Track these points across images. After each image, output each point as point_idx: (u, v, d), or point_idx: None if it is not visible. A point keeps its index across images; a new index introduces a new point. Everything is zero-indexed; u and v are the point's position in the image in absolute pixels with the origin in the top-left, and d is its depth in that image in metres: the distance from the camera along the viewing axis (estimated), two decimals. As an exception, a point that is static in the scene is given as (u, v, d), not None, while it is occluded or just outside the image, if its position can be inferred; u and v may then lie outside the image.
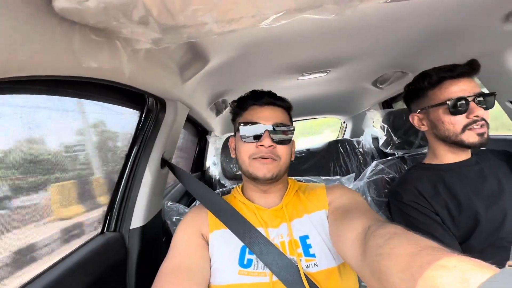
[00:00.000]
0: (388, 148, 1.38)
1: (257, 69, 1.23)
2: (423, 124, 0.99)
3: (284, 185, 0.83)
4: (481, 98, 0.87)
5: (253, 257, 0.69)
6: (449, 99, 0.88)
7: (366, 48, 1.14)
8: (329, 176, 1.27)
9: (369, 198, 1.21)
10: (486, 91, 1.18)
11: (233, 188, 1.04)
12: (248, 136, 0.75)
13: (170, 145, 1.05)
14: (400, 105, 2.12)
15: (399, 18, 0.86)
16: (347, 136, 2.76)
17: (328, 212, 0.75)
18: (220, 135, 2.00)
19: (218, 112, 1.71)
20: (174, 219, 1.18)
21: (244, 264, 0.69)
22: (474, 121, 0.86)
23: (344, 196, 0.76)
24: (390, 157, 1.34)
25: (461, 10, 0.84)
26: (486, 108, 0.88)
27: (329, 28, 0.88)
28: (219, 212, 0.76)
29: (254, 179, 0.75)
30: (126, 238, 0.90)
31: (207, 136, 1.56)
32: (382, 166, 1.27)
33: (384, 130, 1.37)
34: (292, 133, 0.79)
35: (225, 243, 0.73)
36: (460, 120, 0.88)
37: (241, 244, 0.71)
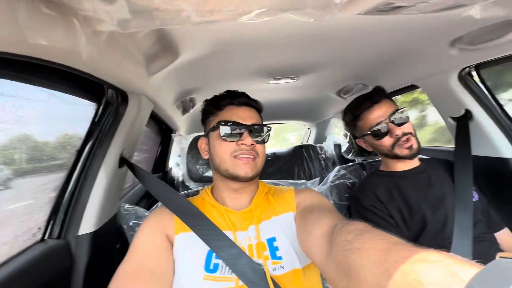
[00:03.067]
0: (350, 155, 1.46)
1: (228, 69, 1.21)
2: (368, 146, 1.11)
3: (255, 186, 0.83)
4: (397, 116, 0.98)
5: (220, 261, 0.67)
6: (370, 128, 1.00)
7: (332, 58, 1.19)
8: (294, 180, 1.30)
9: (331, 202, 1.26)
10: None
11: (199, 190, 0.99)
12: (229, 135, 0.75)
13: (130, 143, 0.97)
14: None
15: (365, 33, 0.91)
16: (311, 141, 2.87)
17: (296, 214, 0.76)
18: (185, 134, 1.91)
19: (184, 111, 1.63)
20: (131, 224, 1.08)
21: (210, 269, 0.66)
22: (398, 139, 0.97)
23: (311, 198, 0.78)
24: (350, 163, 1.41)
25: (417, 32, 0.93)
26: (403, 124, 0.98)
27: (300, 35, 0.90)
28: (184, 215, 0.72)
29: (233, 178, 0.73)
30: (73, 246, 0.79)
31: (172, 135, 1.47)
32: (344, 171, 1.34)
33: (346, 138, 1.45)
34: (268, 134, 0.81)
35: (190, 247, 0.69)
36: (386, 141, 0.99)
37: (208, 248, 0.68)
